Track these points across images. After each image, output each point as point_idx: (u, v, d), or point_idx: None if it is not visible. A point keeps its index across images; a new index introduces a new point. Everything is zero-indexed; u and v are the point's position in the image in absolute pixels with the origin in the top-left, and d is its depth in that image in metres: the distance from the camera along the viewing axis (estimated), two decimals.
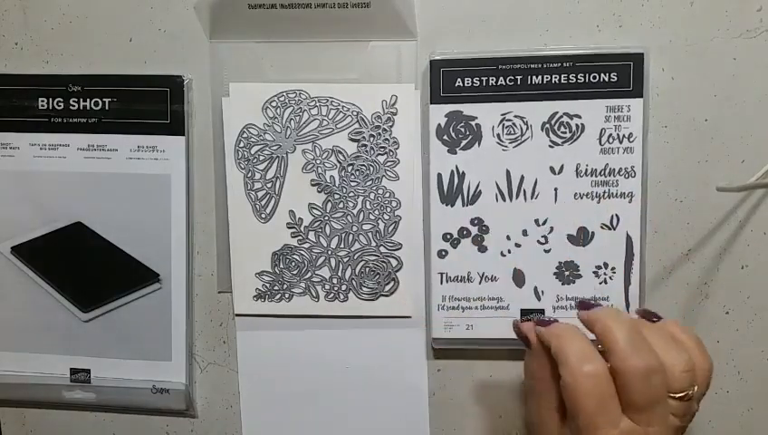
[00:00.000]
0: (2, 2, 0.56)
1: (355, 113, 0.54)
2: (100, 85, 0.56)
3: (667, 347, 0.42)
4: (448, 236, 0.54)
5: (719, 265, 0.55)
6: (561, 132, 0.53)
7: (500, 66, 0.52)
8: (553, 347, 0.44)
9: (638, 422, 0.41)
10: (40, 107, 0.57)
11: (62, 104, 0.56)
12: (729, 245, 0.54)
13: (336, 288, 0.56)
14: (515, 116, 0.53)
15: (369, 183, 0.54)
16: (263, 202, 0.55)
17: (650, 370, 0.41)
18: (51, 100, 0.57)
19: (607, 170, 0.53)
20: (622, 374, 0.41)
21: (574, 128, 0.52)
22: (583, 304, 0.45)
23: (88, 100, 0.56)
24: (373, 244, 0.55)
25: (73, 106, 0.56)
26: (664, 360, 0.42)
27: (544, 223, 0.54)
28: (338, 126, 0.54)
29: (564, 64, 0.52)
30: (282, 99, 0.54)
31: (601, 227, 0.53)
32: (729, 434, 0.57)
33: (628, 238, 0.53)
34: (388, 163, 0.54)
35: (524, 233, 0.54)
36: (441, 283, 0.55)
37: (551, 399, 0.45)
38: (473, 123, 0.53)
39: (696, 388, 0.42)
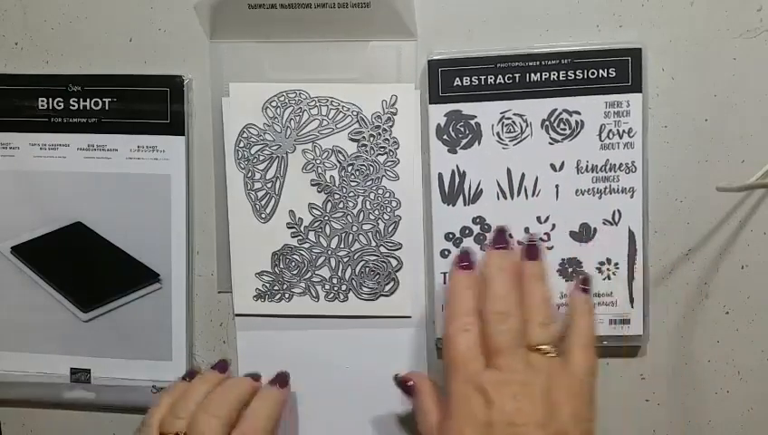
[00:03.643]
0: (2, 2, 0.56)
1: (355, 113, 0.54)
2: (100, 85, 0.56)
3: (532, 300, 0.47)
4: (451, 236, 0.54)
5: (719, 265, 0.55)
6: (561, 129, 0.53)
7: (498, 65, 0.52)
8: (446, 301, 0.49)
9: (499, 368, 0.44)
10: (40, 107, 0.57)
11: (62, 104, 0.57)
12: (729, 245, 0.54)
13: (336, 288, 0.56)
14: (515, 114, 0.53)
15: (369, 183, 0.54)
16: (263, 202, 0.55)
17: (504, 313, 0.45)
18: (51, 100, 0.57)
19: (607, 166, 0.53)
20: (483, 316, 0.46)
21: (574, 124, 0.52)
22: (496, 239, 0.49)
23: (88, 100, 0.56)
24: (373, 244, 0.55)
25: (73, 106, 0.56)
26: (527, 311, 0.46)
27: (546, 220, 0.54)
28: (338, 126, 0.54)
29: (562, 61, 0.52)
30: (282, 99, 0.54)
31: (603, 223, 0.53)
32: (729, 434, 0.56)
33: (631, 233, 0.53)
34: (388, 163, 0.54)
35: (526, 231, 0.54)
36: (445, 282, 0.55)
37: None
38: (472, 122, 0.53)
39: (554, 348, 0.46)
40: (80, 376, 0.58)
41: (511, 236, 0.49)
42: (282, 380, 0.53)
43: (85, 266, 0.58)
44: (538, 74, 0.52)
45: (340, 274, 0.56)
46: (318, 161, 0.55)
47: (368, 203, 0.55)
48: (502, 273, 0.47)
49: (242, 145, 0.55)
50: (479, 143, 0.53)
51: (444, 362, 0.47)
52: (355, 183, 0.55)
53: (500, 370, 0.44)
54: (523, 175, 0.53)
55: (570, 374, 0.46)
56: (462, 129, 0.53)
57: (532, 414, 0.43)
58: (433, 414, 0.49)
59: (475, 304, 0.47)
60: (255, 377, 0.53)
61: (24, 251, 0.58)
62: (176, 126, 0.56)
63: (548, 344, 0.46)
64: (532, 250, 0.49)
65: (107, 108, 0.56)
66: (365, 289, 0.55)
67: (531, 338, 0.46)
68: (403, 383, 0.52)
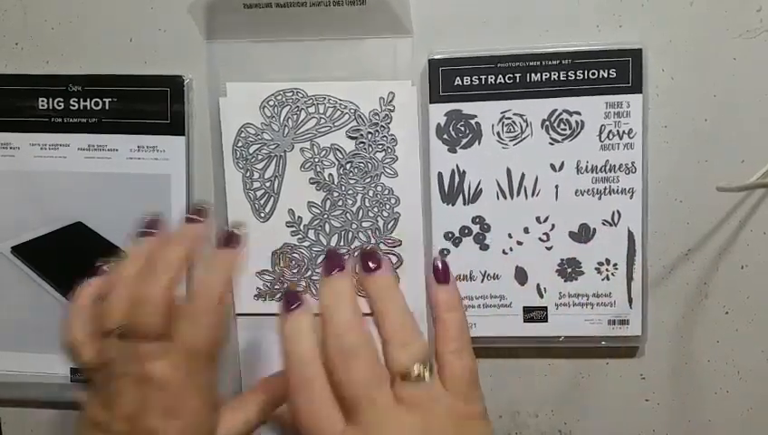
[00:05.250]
0: (2, 2, 0.56)
1: (352, 111, 0.54)
2: (100, 85, 0.56)
3: (386, 319, 0.39)
4: (450, 235, 0.54)
5: (719, 265, 0.55)
6: (561, 129, 0.53)
7: (498, 64, 0.52)
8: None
9: (358, 424, 0.36)
10: (40, 107, 0.57)
11: (62, 104, 0.57)
12: (729, 245, 0.54)
13: None
14: (515, 114, 0.53)
15: (367, 180, 0.54)
16: (262, 201, 0.55)
17: (350, 352, 0.37)
18: (51, 100, 0.57)
19: (607, 167, 0.53)
20: (328, 358, 0.37)
21: (574, 125, 0.52)
22: (328, 264, 0.40)
23: (88, 100, 0.56)
24: (373, 241, 0.55)
25: (73, 106, 0.56)
26: (384, 333, 0.38)
27: (546, 220, 0.54)
28: (335, 124, 0.54)
29: (563, 61, 0.52)
30: (279, 98, 0.54)
31: (603, 224, 0.53)
32: (729, 434, 0.56)
33: (630, 234, 0.53)
34: (387, 160, 0.54)
35: (526, 230, 0.54)
36: None
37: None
38: (472, 122, 0.53)
39: (424, 368, 0.37)
40: (80, 376, 0.58)
41: (346, 255, 0.40)
42: (234, 240, 0.43)
43: (85, 266, 0.58)
44: (538, 74, 0.52)
45: None
46: (316, 160, 0.55)
47: (367, 200, 0.55)
48: (340, 300, 0.38)
49: (240, 145, 0.55)
50: (479, 143, 0.53)
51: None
52: (354, 181, 0.55)
53: (358, 425, 0.36)
54: (522, 175, 0.53)
55: (449, 397, 0.38)
56: (462, 128, 0.53)
57: None
58: None
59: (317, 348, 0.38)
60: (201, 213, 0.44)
61: (24, 251, 0.58)
62: (176, 126, 0.56)
63: (416, 364, 0.37)
64: (371, 259, 0.40)
65: (107, 108, 0.56)
66: None
67: (394, 365, 0.37)
68: None
